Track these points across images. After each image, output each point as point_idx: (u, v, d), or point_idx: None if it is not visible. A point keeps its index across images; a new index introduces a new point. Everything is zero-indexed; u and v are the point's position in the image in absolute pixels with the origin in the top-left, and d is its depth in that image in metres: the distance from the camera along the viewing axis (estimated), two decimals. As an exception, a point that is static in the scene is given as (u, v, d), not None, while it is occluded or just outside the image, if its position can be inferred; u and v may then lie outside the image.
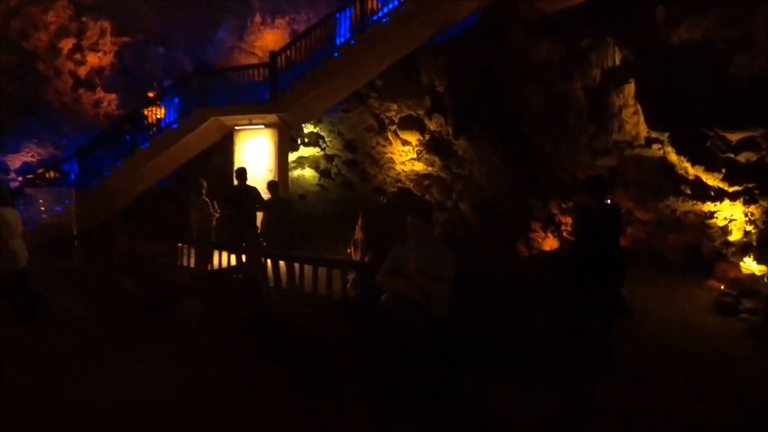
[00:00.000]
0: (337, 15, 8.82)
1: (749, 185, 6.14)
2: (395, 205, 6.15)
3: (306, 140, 11.39)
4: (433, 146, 9.66)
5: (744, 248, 6.32)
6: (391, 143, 10.32)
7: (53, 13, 9.20)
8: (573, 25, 7.93)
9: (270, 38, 11.14)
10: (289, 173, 11.26)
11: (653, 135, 7.38)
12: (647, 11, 7.23)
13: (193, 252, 6.16)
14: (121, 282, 5.87)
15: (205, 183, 7.16)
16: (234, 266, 5.28)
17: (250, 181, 6.83)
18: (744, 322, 5.30)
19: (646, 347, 4.44)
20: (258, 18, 10.94)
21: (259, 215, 6.43)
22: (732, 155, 6.16)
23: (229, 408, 3.02)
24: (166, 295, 5.02)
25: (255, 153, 8.93)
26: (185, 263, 6.16)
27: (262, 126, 8.75)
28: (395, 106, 9.89)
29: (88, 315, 4.94)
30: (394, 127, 10.11)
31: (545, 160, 8.80)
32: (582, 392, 3.25)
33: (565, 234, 8.70)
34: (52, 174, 8.99)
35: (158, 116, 9.70)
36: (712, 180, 6.38)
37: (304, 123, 10.53)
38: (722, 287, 6.17)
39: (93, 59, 9.91)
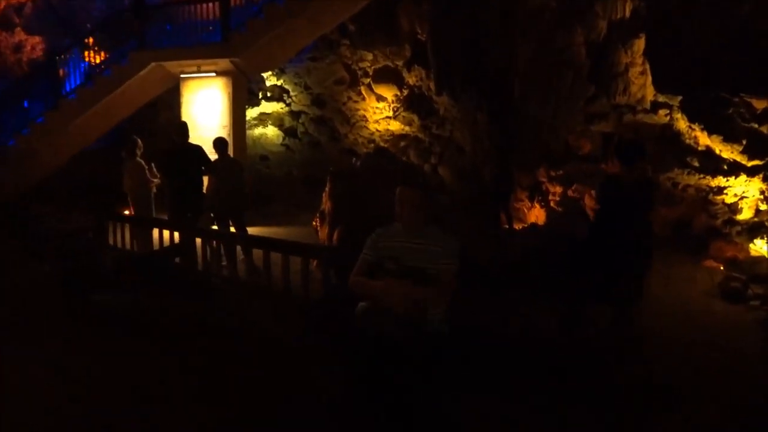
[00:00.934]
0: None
1: (773, 160, 5.46)
2: (371, 167, 5.11)
3: (269, 94, 10.09)
4: (411, 103, 8.60)
5: (753, 228, 5.75)
6: (364, 99, 9.16)
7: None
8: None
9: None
10: (250, 132, 10.01)
11: (660, 99, 6.59)
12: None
13: (124, 228, 4.98)
14: (34, 267, 4.74)
15: (140, 141, 5.89)
16: (166, 248, 4.15)
17: (201, 140, 5.64)
18: (753, 311, 4.75)
19: (653, 343, 3.76)
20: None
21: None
22: (756, 125, 5.41)
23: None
24: (88, 284, 3.93)
25: (206, 106, 7.64)
26: (115, 243, 5.00)
27: (214, 74, 7.43)
28: (370, 56, 8.68)
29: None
30: (368, 80, 8.93)
31: (534, 122, 7.95)
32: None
33: (552, 204, 8.02)
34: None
35: (90, 62, 8.18)
36: (728, 152, 5.67)
37: (263, 72, 9.17)
38: (721, 268, 5.72)
39: (8, -7, 8.20)
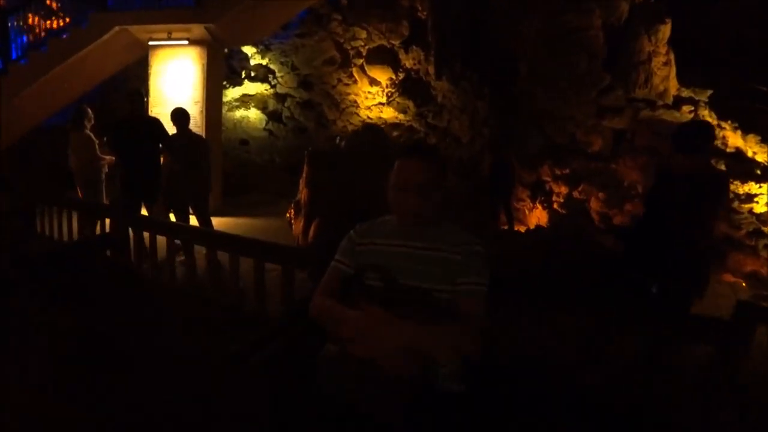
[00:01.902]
0: None
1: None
2: (358, 148, 4.21)
3: (252, 74, 9.23)
4: (407, 88, 7.81)
5: (784, 242, 5.10)
6: (356, 81, 8.35)
7: None
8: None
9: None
10: (230, 114, 9.16)
11: (685, 93, 5.90)
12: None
13: (55, 213, 4.10)
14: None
15: (89, 111, 5.03)
16: (91, 239, 3.28)
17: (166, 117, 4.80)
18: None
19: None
20: None
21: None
22: (801, 124, 4.75)
23: None
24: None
25: (177, 79, 6.78)
26: (44, 230, 4.13)
27: (186, 42, 6.57)
28: (364, 34, 7.86)
29: None
30: (360, 60, 8.12)
31: (540, 114, 7.26)
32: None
33: (556, 206, 7.35)
34: None
35: (49, 26, 7.24)
36: (766, 155, 4.98)
37: (243, 44, 8.30)
38: (743, 284, 5.14)
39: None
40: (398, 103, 8.05)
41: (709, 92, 5.46)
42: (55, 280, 2.32)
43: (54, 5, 7.29)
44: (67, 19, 7.13)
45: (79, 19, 6.83)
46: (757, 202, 5.22)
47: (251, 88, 9.22)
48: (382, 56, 7.83)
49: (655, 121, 6.50)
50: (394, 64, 7.84)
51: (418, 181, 1.28)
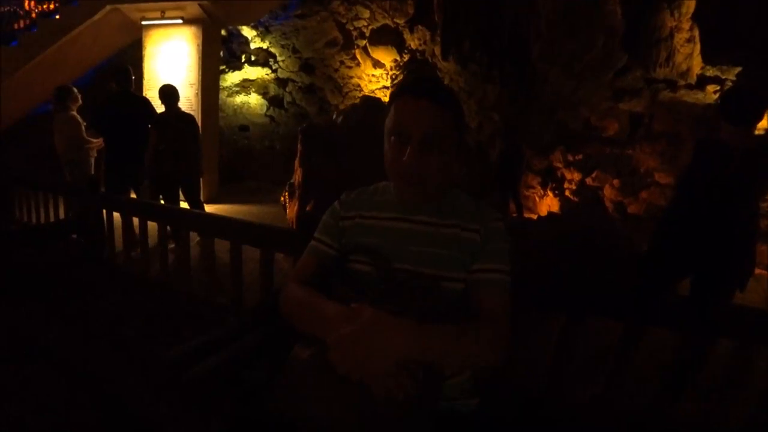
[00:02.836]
0: None
1: None
2: (356, 123, 3.82)
3: (253, 58, 8.93)
4: (412, 70, 7.45)
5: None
6: (359, 64, 8.01)
7: None
8: None
9: None
10: (231, 99, 8.89)
11: (709, 72, 5.51)
12: None
13: (32, 197, 3.82)
14: None
15: (75, 90, 4.76)
16: (56, 222, 2.95)
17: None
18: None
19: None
20: None
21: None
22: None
23: None
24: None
25: (171, 60, 6.50)
26: (22, 215, 3.86)
27: (180, 21, 6.27)
28: (367, 13, 7.48)
29: None
30: (363, 42, 7.76)
31: (553, 97, 6.90)
32: None
33: (568, 193, 7.03)
34: None
35: (42, 8, 7.00)
36: (801, 136, 4.60)
37: (241, 24, 7.97)
38: None
39: None
40: (403, 86, 7.72)
41: (738, 70, 5.07)
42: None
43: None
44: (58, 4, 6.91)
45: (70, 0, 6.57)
46: (788, 189, 4.86)
47: (252, 72, 8.92)
48: (386, 37, 7.47)
49: (675, 103, 6.14)
50: (399, 45, 7.48)
51: (425, 130, 0.92)
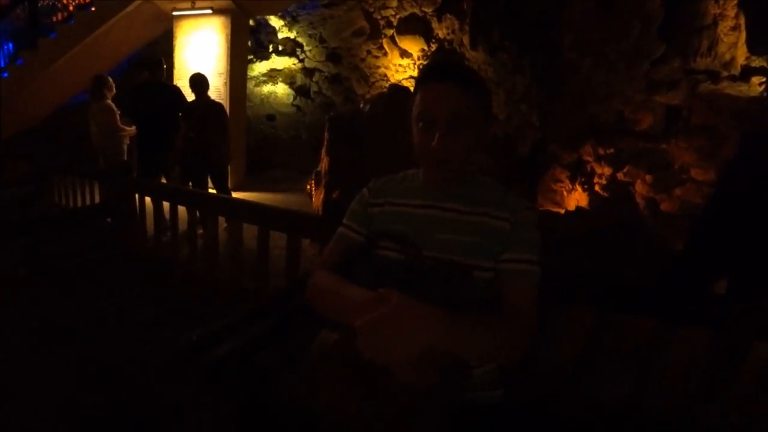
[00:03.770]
0: None
1: None
2: (384, 111, 3.76)
3: (280, 48, 8.98)
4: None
5: None
6: (386, 54, 7.95)
7: None
8: None
9: None
10: (258, 89, 8.98)
11: (755, 63, 5.24)
12: None
13: (69, 183, 3.96)
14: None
15: (110, 79, 4.90)
16: (89, 206, 3.05)
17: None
18: None
19: None
20: None
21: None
22: None
23: None
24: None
25: (201, 50, 6.61)
26: (61, 200, 4.02)
27: (210, 11, 6.36)
28: (395, 2, 7.41)
29: None
30: (391, 31, 7.70)
31: (585, 87, 6.70)
32: None
33: (598, 188, 6.84)
34: None
35: (79, 1, 7.19)
36: None
37: (269, 14, 8.03)
38: None
39: None
40: (430, 76, 7.63)
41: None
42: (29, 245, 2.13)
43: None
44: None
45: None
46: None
47: (279, 62, 8.98)
48: (414, 26, 7.38)
49: (717, 96, 5.86)
50: (427, 35, 7.38)
51: (451, 111, 0.91)
